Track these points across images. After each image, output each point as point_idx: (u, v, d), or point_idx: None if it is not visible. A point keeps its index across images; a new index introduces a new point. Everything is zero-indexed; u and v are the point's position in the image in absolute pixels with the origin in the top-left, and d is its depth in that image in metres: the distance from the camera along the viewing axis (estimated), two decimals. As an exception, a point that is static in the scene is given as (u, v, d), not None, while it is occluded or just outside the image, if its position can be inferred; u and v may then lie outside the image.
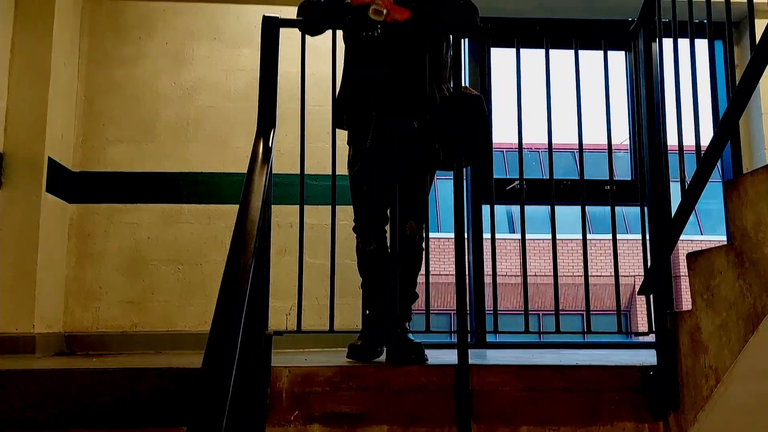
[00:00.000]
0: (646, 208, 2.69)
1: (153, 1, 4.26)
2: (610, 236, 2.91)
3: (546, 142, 2.72)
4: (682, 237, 2.46)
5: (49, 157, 3.78)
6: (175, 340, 3.95)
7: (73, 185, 4.08)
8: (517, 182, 4.59)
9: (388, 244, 2.78)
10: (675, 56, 2.47)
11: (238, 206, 4.22)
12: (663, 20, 2.61)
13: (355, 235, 2.82)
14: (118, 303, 4.01)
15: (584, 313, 2.79)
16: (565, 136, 3.44)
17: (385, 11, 2.57)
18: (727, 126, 2.14)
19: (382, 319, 2.67)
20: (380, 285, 2.73)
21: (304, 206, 2.69)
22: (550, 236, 2.77)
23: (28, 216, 3.69)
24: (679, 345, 2.48)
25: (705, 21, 2.34)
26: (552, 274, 2.74)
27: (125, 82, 4.21)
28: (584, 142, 2.78)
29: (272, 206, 2.56)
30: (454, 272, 2.49)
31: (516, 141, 2.74)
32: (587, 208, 2.91)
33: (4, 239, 3.65)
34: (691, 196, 2.33)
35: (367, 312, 2.83)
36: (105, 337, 3.94)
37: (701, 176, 2.28)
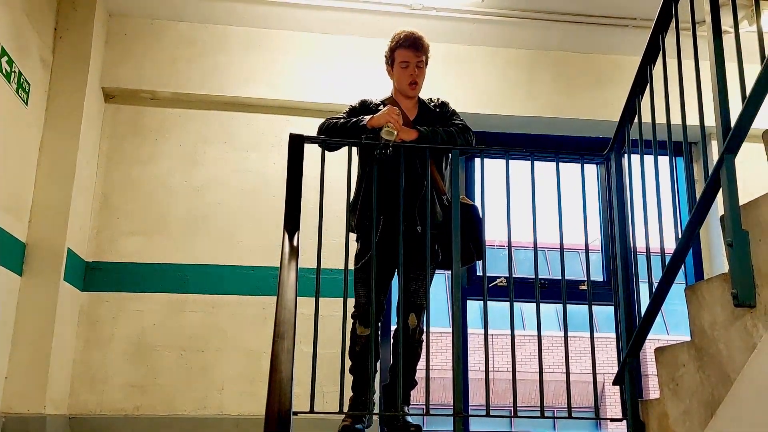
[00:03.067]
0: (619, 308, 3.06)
1: (169, 108, 4.68)
2: (582, 334, 3.25)
3: (525, 240, 3.11)
4: (649, 336, 2.82)
5: (68, 248, 4.07)
6: (175, 423, 4.14)
7: (86, 274, 4.35)
8: (500, 279, 4.98)
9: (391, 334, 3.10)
10: (642, 174, 2.92)
11: (241, 296, 4.52)
12: (632, 138, 3.07)
13: (353, 321, 3.14)
14: (122, 386, 4.22)
15: (556, 410, 3.09)
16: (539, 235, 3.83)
17: (396, 132, 3.00)
18: (688, 237, 2.55)
19: (369, 401, 2.95)
20: (369, 369, 3.02)
21: (299, 297, 3.02)
22: (525, 332, 3.12)
23: (46, 303, 3.94)
24: (648, 430, 2.81)
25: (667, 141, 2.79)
26: (521, 370, 3.05)
27: (140, 179, 4.56)
28: (554, 242, 3.16)
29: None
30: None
31: (498, 239, 3.13)
32: (555, 306, 3.28)
33: (21, 323, 3.88)
34: (657, 299, 2.72)
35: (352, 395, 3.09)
36: (108, 420, 4.12)
37: (665, 282, 2.66)
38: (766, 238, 2.16)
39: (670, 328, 16.37)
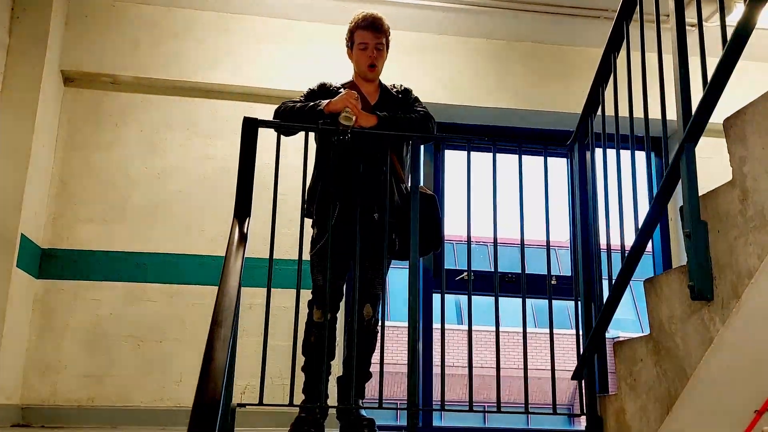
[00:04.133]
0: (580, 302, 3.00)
1: (130, 93, 4.55)
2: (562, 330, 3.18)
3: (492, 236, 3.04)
4: (625, 333, 2.76)
5: (21, 234, 3.94)
6: (131, 415, 4.04)
7: (41, 261, 4.23)
8: (465, 273, 4.91)
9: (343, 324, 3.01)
10: (604, 167, 2.85)
11: (200, 286, 4.38)
12: (596, 132, 3.01)
13: (309, 310, 3.04)
14: (77, 377, 4.10)
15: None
16: (510, 231, 3.77)
17: (354, 118, 2.91)
18: (647, 229, 2.49)
19: (323, 394, 2.86)
20: (327, 359, 2.92)
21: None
22: (503, 329, 3.04)
23: (-4, 290, 3.81)
24: (606, 426, 2.75)
25: (630, 135, 2.72)
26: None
27: (99, 165, 4.43)
28: (529, 238, 3.09)
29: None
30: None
31: (465, 234, 3.05)
32: (530, 301, 3.21)
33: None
34: (616, 291, 2.66)
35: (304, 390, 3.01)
36: (62, 411, 4.00)
37: (624, 275, 2.60)
38: (725, 229, 2.10)
39: (646, 327, 16.47)
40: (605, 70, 2.88)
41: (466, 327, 2.85)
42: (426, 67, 4.83)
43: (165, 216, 4.43)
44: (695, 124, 2.21)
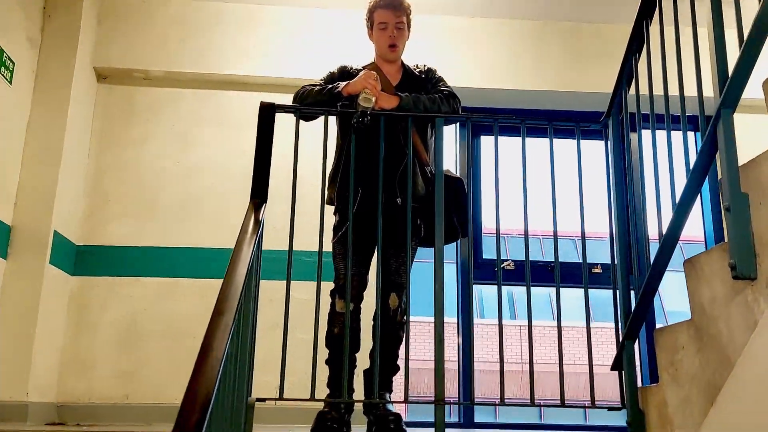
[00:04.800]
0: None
1: (162, 87, 4.54)
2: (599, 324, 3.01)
3: (547, 229, 2.87)
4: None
5: (54, 231, 3.96)
6: (165, 412, 3.99)
7: (76, 258, 4.24)
8: (508, 262, 4.74)
9: (370, 316, 2.89)
10: (639, 146, 2.67)
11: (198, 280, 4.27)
12: (631, 113, 2.81)
13: (331, 300, 2.93)
14: (111, 374, 4.09)
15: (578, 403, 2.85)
16: (567, 224, 3.57)
17: (373, 99, 2.79)
18: (685, 207, 2.30)
19: (349, 389, 2.75)
20: (352, 352, 2.81)
21: (292, 282, 2.83)
22: (551, 323, 2.88)
23: (30, 287, 3.83)
24: (647, 420, 2.56)
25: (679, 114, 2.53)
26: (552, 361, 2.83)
27: (132, 161, 4.43)
28: (568, 229, 2.91)
29: (265, 281, 2.73)
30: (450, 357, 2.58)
31: (506, 227, 2.90)
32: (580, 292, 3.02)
33: (5, 308, 3.78)
34: (654, 274, 2.47)
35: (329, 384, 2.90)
36: (96, 408, 4.00)
37: (662, 256, 2.41)
38: (768, 201, 1.91)
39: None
40: (638, 38, 2.69)
41: (515, 322, 2.72)
42: (461, 51, 4.69)
43: (197, 211, 4.40)
44: (732, 86, 2.02)
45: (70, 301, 4.18)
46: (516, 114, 4.34)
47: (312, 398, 2.62)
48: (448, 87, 3.06)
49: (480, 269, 4.72)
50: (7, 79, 3.76)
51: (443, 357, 2.65)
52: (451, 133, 4.71)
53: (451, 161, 4.68)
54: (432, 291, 2.71)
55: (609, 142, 2.92)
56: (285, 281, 2.99)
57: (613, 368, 2.75)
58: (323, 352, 2.85)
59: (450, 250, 4.62)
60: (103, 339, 4.16)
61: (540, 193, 3.19)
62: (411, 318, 3.00)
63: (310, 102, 2.92)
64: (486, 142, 4.69)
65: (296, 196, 2.79)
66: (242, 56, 4.56)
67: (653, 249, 2.58)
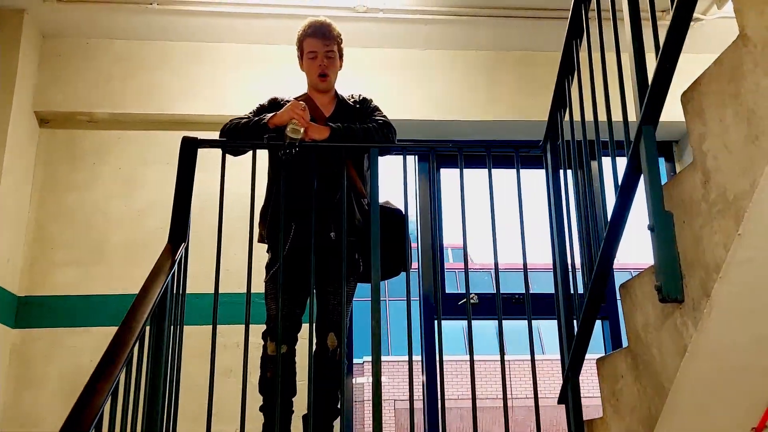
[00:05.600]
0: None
1: (107, 130, 4.44)
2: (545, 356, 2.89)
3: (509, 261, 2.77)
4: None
5: (-8, 282, 3.81)
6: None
7: (17, 310, 4.09)
8: (472, 296, 4.62)
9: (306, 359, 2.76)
10: (573, 175, 2.58)
11: (186, 326, 4.18)
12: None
13: (263, 343, 2.81)
14: (56, 429, 3.90)
15: None
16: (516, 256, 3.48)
17: (302, 130, 2.70)
18: (614, 230, 2.20)
19: None
20: (287, 396, 2.68)
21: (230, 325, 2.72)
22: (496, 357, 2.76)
23: (-35, 341, 3.67)
24: (595, 455, 2.44)
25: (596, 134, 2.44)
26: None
27: (77, 206, 4.31)
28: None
29: (219, 326, 2.61)
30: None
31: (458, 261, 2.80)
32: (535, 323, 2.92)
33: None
34: (591, 303, 2.37)
35: None
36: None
37: (598, 281, 2.31)
38: (690, 219, 1.82)
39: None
40: (569, 61, 2.63)
41: (463, 357, 2.59)
42: (415, 84, 4.64)
43: (145, 255, 4.24)
44: (652, 99, 1.94)
45: (12, 355, 4.01)
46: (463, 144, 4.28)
47: (239, 448, 2.48)
48: (383, 117, 2.98)
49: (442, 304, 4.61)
50: (-63, 127, 3.65)
51: (381, 397, 2.52)
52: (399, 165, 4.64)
53: (399, 194, 4.61)
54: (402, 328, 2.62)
55: (548, 168, 2.84)
56: (240, 325, 2.88)
57: (559, 401, 2.62)
58: (255, 399, 2.71)
59: (413, 286, 4.55)
60: (48, 393, 3.99)
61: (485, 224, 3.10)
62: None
63: (236, 136, 2.83)
64: (448, 174, 4.62)
65: (223, 234, 2.68)
66: (187, 95, 4.48)
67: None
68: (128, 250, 4.26)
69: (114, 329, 4.06)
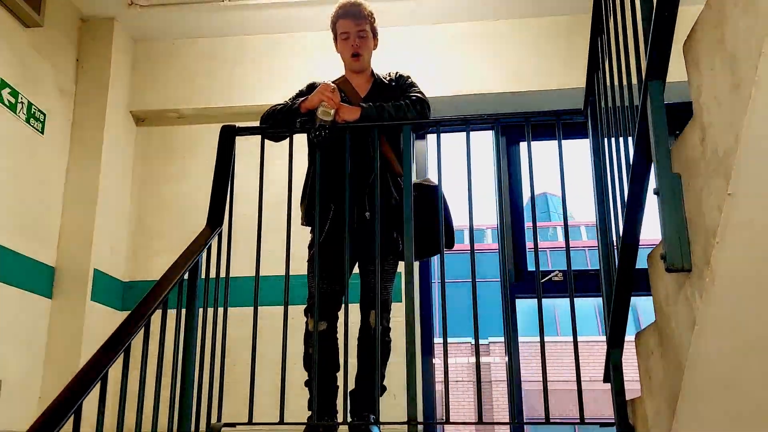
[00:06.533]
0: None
1: (195, 125, 4.68)
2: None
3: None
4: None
5: (95, 269, 4.15)
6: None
7: (123, 294, 4.43)
8: (555, 272, 4.48)
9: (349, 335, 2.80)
10: (608, 143, 2.43)
11: (271, 307, 4.36)
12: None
13: (305, 319, 2.87)
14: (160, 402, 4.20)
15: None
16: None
17: (332, 111, 2.73)
18: (636, 193, 2.06)
19: (331, 411, 2.66)
20: (330, 371, 2.73)
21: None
22: (594, 337, 2.69)
23: (74, 324, 4.03)
24: (638, 436, 2.30)
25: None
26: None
27: (171, 198, 4.59)
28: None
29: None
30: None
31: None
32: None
33: (52, 345, 3.99)
34: (622, 277, 2.22)
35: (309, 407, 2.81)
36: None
37: (625, 258, 2.17)
38: (691, 180, 1.67)
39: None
40: (598, 20, 2.47)
41: (557, 338, 2.52)
42: (487, 57, 4.52)
43: (234, 241, 4.47)
44: (654, 51, 1.79)
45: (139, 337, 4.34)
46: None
47: (281, 422, 2.57)
48: (418, 93, 2.94)
49: (525, 283, 4.50)
50: (38, 130, 4.02)
51: (417, 377, 2.52)
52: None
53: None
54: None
55: (590, 134, 2.68)
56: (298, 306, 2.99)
57: (604, 380, 2.50)
58: (292, 375, 2.79)
59: (492, 266, 4.44)
60: (151, 370, 4.28)
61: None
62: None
63: (272, 122, 2.90)
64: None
65: (262, 218, 2.77)
66: (267, 85, 4.62)
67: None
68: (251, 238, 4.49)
69: (209, 310, 4.33)
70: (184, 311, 2.56)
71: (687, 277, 1.72)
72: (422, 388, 4.28)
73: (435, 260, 4.93)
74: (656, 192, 1.77)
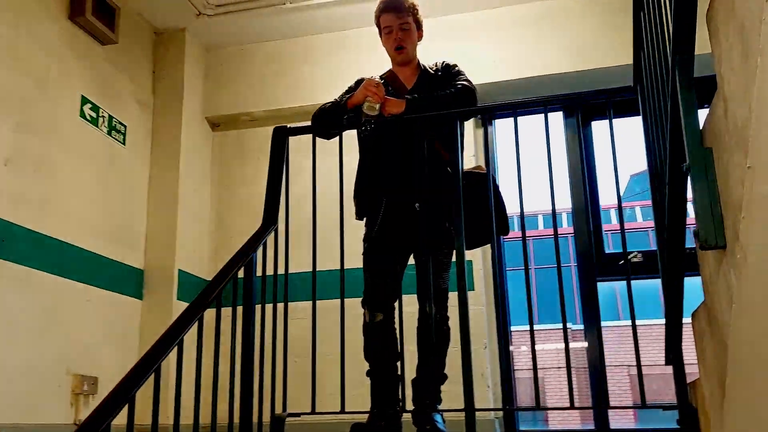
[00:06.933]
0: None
1: (266, 126, 4.83)
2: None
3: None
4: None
5: (179, 270, 4.38)
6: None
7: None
8: (634, 253, 4.35)
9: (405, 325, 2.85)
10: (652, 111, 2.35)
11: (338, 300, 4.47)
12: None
13: (363, 311, 2.93)
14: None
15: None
16: None
17: (377, 106, 2.77)
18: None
19: (393, 400, 2.71)
20: (389, 361, 2.78)
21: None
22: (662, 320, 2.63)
23: (162, 322, 4.26)
24: (700, 418, 2.23)
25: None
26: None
27: (248, 198, 4.76)
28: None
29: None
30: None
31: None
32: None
33: (144, 343, 4.25)
34: (673, 257, 2.16)
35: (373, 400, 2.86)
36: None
37: (674, 236, 2.11)
38: (720, 153, 1.62)
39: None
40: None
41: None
42: (549, 37, 4.44)
43: (307, 238, 4.60)
44: (678, 24, 1.73)
45: (206, 331, 4.56)
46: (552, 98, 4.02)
47: (342, 411, 2.65)
48: (464, 81, 2.93)
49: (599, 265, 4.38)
50: (120, 141, 4.27)
51: (471, 364, 2.54)
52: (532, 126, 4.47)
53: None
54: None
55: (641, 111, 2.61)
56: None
57: (666, 362, 2.43)
58: (351, 367, 2.85)
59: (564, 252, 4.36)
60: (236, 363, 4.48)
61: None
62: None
63: (321, 119, 2.98)
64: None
65: (316, 214, 2.85)
66: (333, 83, 4.69)
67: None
68: (292, 233, 4.62)
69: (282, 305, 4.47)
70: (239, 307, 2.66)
71: (723, 255, 1.67)
72: (500, 376, 4.27)
73: (510, 245, 4.91)
74: (686, 168, 1.72)
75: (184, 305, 4.32)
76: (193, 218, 4.61)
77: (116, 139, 4.25)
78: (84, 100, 4.00)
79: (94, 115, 4.07)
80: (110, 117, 4.20)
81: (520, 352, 15.13)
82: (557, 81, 4.38)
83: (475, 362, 4.35)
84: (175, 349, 2.30)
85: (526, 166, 2.91)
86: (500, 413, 4.17)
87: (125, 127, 4.33)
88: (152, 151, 4.57)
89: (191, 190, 4.61)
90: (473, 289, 4.47)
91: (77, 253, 3.81)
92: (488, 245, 2.98)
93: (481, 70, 4.43)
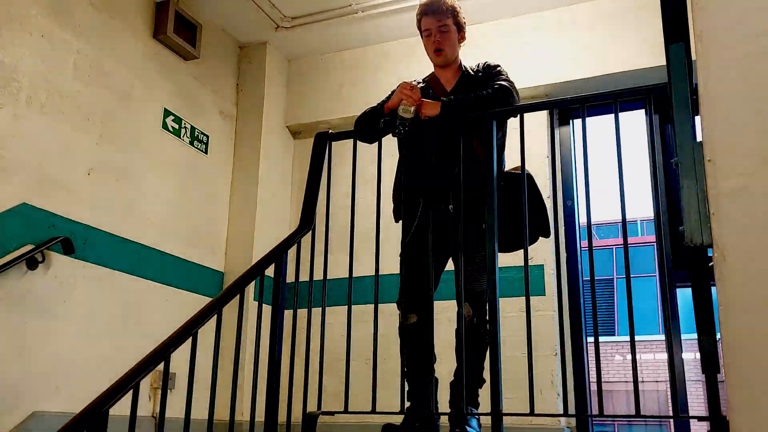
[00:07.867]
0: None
1: (348, 139, 4.97)
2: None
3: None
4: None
5: (257, 272, 4.57)
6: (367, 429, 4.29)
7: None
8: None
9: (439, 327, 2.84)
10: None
11: (387, 305, 4.51)
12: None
13: (399, 312, 2.94)
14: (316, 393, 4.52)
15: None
16: None
17: (412, 109, 2.80)
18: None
19: (426, 401, 2.72)
20: (423, 363, 2.78)
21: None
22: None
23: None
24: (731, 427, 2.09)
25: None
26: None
27: (325, 204, 4.90)
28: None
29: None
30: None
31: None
32: None
33: (223, 342, 4.46)
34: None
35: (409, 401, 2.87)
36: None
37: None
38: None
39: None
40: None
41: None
42: (626, 33, 4.29)
43: (374, 241, 4.68)
44: (670, 11, 1.67)
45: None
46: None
47: (373, 411, 2.69)
48: (504, 80, 2.88)
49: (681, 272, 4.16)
50: (202, 151, 4.53)
51: (500, 368, 2.51)
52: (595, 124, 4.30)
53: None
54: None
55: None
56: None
57: (703, 370, 2.29)
58: (383, 368, 2.88)
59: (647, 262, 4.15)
60: (310, 363, 4.62)
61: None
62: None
63: (361, 124, 3.03)
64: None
65: (354, 217, 2.91)
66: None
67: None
68: (365, 238, 4.71)
69: (358, 307, 4.59)
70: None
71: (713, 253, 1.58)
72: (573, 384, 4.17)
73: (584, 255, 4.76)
74: (676, 163, 1.64)
75: (265, 308, 4.52)
76: (273, 222, 4.80)
77: (198, 149, 4.51)
78: (166, 113, 4.28)
79: (176, 126, 4.34)
80: (192, 128, 4.47)
81: (613, 361, 14.36)
82: (632, 78, 4.23)
83: (543, 369, 4.29)
84: (189, 344, 2.36)
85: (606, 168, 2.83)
86: (572, 421, 4.06)
87: (207, 137, 4.59)
88: (234, 159, 4.80)
89: (270, 195, 4.80)
90: (544, 294, 4.38)
91: (157, 255, 4.08)
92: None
93: (557, 68, 4.37)
